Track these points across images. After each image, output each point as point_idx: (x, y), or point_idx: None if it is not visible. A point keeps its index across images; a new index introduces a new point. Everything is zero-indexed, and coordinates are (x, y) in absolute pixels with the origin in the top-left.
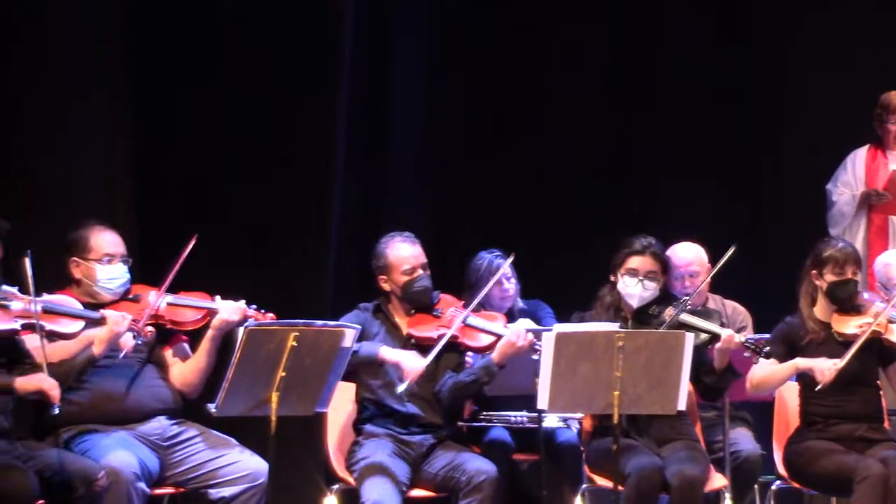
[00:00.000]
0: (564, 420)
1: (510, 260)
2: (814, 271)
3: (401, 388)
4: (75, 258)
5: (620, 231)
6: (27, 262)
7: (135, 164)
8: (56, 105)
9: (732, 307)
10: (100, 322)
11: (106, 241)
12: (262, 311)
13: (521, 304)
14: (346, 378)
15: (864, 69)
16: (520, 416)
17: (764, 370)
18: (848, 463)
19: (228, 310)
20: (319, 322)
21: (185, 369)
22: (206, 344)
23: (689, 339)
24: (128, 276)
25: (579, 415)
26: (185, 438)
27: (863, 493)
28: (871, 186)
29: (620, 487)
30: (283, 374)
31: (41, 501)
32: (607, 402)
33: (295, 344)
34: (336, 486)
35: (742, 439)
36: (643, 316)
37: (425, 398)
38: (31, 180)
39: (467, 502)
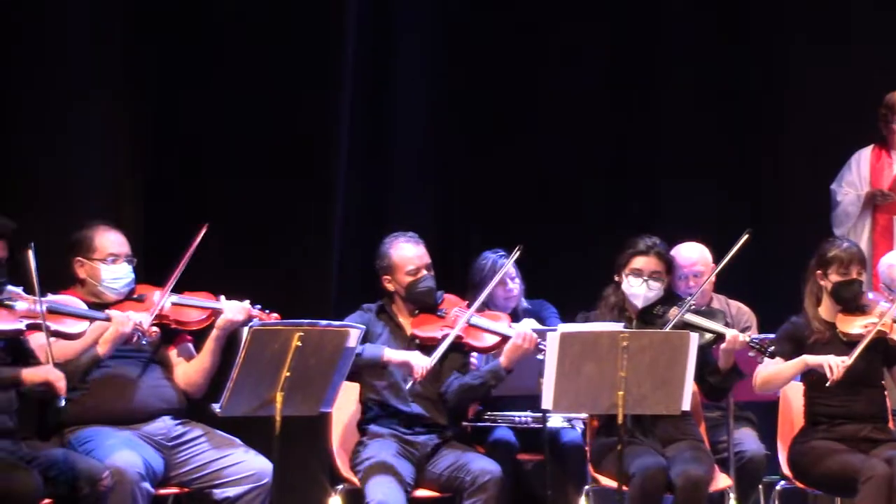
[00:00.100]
0: (569, 420)
1: (515, 256)
2: (818, 271)
3: (407, 386)
4: (80, 258)
5: (624, 231)
6: (30, 254)
7: (139, 163)
8: (58, 105)
9: (737, 307)
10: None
11: (110, 240)
12: (267, 311)
13: (525, 303)
14: (350, 378)
15: (864, 69)
16: (524, 416)
17: (771, 368)
18: (852, 463)
19: (233, 310)
20: (324, 322)
21: (189, 369)
22: (210, 344)
23: (694, 339)
24: (132, 275)
25: (584, 415)
26: (189, 438)
27: (867, 494)
28: (875, 186)
29: (625, 487)
30: (288, 374)
31: (46, 501)
32: (612, 402)
33: (299, 344)
34: (340, 487)
35: (746, 439)
36: (648, 316)
37: (430, 398)
38: (34, 180)
39: (472, 502)
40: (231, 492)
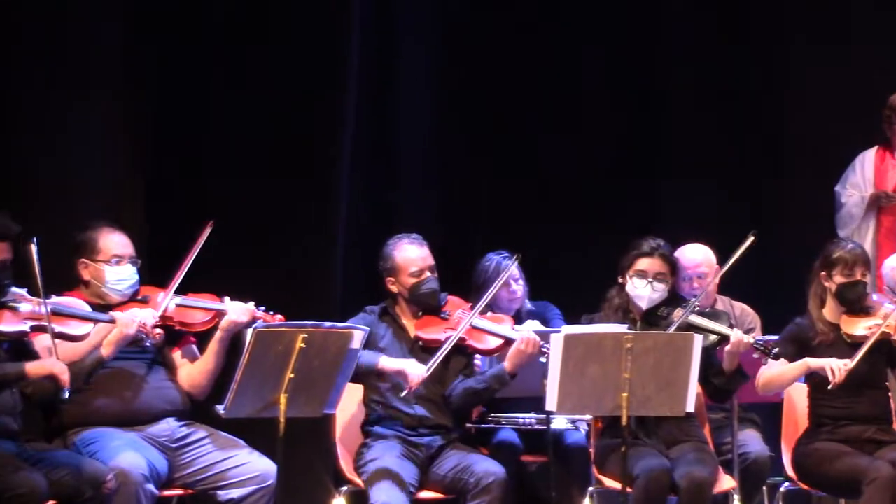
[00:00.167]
0: (573, 421)
1: (514, 264)
2: (823, 273)
3: (403, 394)
4: (84, 259)
5: (628, 232)
6: (33, 248)
7: (142, 164)
8: (59, 105)
9: (741, 309)
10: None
11: (115, 242)
12: (271, 312)
13: (529, 305)
14: (353, 380)
15: (865, 69)
16: (528, 418)
17: (773, 369)
18: (857, 465)
19: (237, 311)
20: (328, 323)
21: (193, 371)
22: (214, 345)
23: (698, 341)
24: (136, 277)
25: (587, 416)
26: (193, 440)
27: (872, 495)
28: (879, 188)
29: (629, 489)
30: (292, 375)
31: (50, 503)
32: (616, 404)
33: (303, 345)
34: (345, 488)
35: (751, 441)
36: (652, 317)
37: (433, 400)
38: (37, 181)
39: None
40: (235, 493)
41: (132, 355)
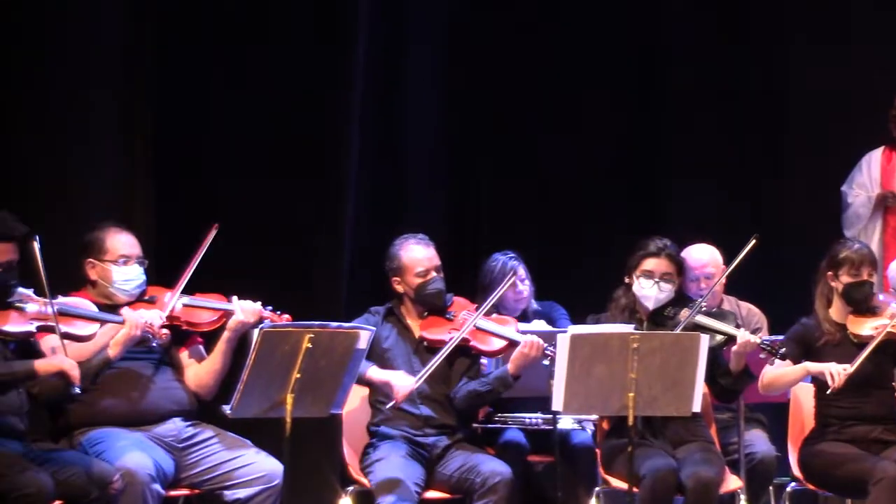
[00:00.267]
0: (579, 421)
1: (509, 282)
2: (829, 272)
3: (388, 406)
4: (91, 259)
5: (635, 233)
6: (35, 246)
7: (149, 165)
8: (66, 106)
9: (747, 308)
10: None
11: (122, 242)
12: (278, 312)
13: (535, 305)
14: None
15: (865, 69)
16: (535, 418)
17: (775, 371)
18: (863, 465)
19: (245, 311)
20: (334, 324)
21: (200, 371)
22: (221, 346)
23: (705, 341)
24: (143, 277)
25: (594, 416)
26: (200, 440)
27: (878, 495)
28: (886, 188)
29: (635, 489)
30: (298, 375)
31: (56, 503)
32: (622, 404)
33: (310, 346)
34: (351, 488)
35: (757, 441)
36: (658, 318)
37: (438, 400)
38: (46, 182)
39: None
40: (242, 493)
41: (139, 355)
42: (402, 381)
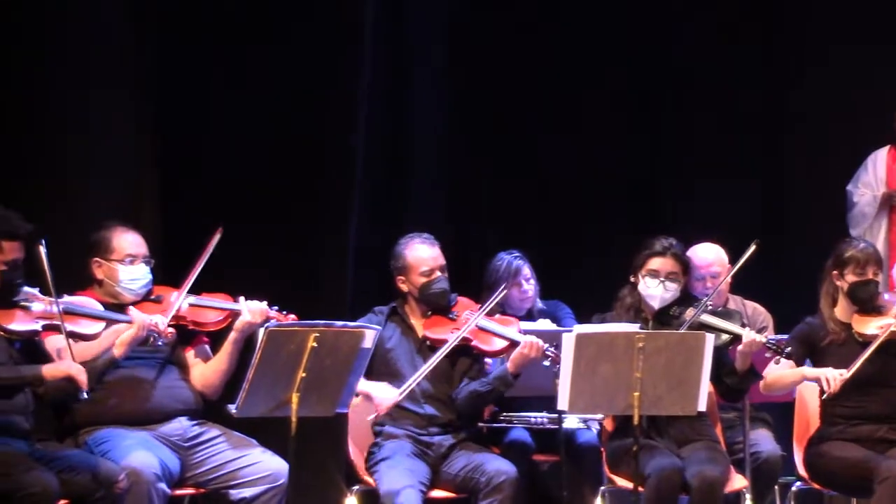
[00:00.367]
0: (584, 421)
1: (500, 295)
2: (835, 272)
3: (370, 418)
4: (97, 259)
5: (640, 232)
6: (42, 250)
7: (158, 164)
8: (73, 105)
9: (753, 308)
10: (121, 323)
11: (128, 241)
12: (284, 312)
13: (540, 304)
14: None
15: (870, 68)
16: (540, 417)
17: (775, 374)
18: (868, 464)
19: (251, 311)
20: (339, 323)
21: (206, 370)
22: (228, 346)
23: (710, 340)
24: (150, 276)
25: (599, 416)
26: (206, 439)
27: (883, 494)
28: (892, 187)
29: (640, 488)
30: (304, 374)
31: (62, 502)
32: (627, 403)
33: (315, 345)
34: (356, 487)
35: (762, 440)
36: (664, 317)
37: (442, 399)
38: (52, 181)
39: (487, 503)
40: (247, 492)
41: (145, 355)
42: (384, 394)
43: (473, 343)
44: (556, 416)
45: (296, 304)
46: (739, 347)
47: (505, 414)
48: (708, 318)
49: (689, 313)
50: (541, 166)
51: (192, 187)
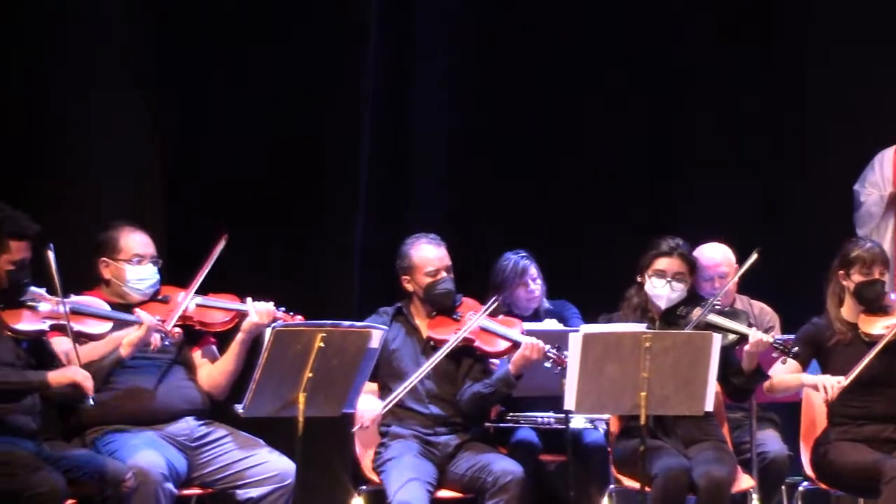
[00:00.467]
0: (591, 421)
1: (492, 306)
2: (841, 272)
3: (354, 429)
4: (105, 258)
5: (647, 232)
6: (50, 254)
7: (165, 165)
8: (81, 105)
9: (759, 308)
10: (127, 323)
11: (136, 241)
12: (291, 312)
13: (547, 304)
14: (370, 379)
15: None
16: (547, 417)
17: (778, 378)
18: (875, 464)
19: (259, 312)
20: (346, 323)
21: (213, 371)
22: (235, 347)
23: (717, 340)
24: (157, 276)
25: (606, 416)
26: (213, 439)
27: (890, 494)
28: None
29: (647, 488)
30: (311, 374)
31: (69, 502)
32: (634, 403)
33: (322, 345)
34: (363, 487)
35: (769, 440)
36: (671, 317)
37: (447, 399)
38: (59, 181)
39: (493, 503)
40: (254, 492)
41: (151, 355)
42: (368, 406)
43: (476, 344)
44: (562, 416)
45: (302, 304)
46: (746, 347)
47: (512, 414)
48: (715, 318)
49: (696, 313)
50: (543, 166)
51: (196, 188)
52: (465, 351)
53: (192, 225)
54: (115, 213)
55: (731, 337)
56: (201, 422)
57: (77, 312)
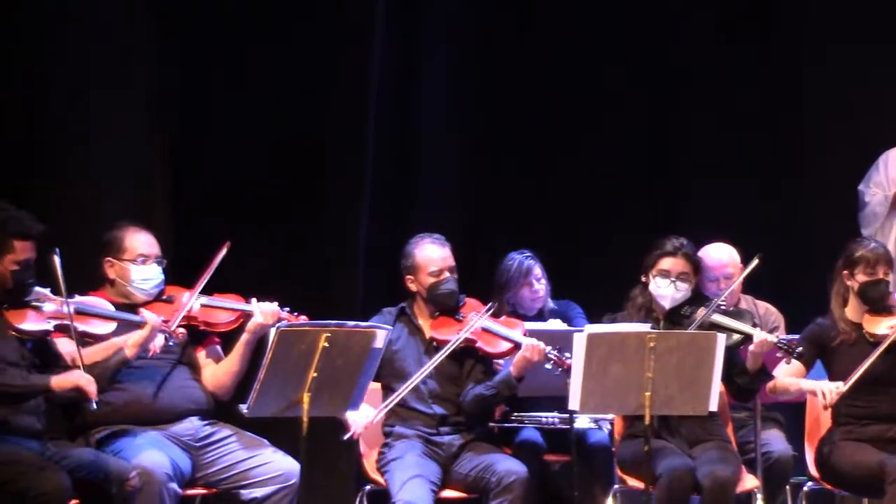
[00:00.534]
0: (596, 421)
1: (487, 313)
2: (845, 271)
3: (345, 437)
4: (110, 258)
5: (651, 232)
6: (56, 260)
7: (170, 165)
8: (84, 105)
9: (764, 308)
10: (131, 323)
11: (140, 241)
12: (296, 313)
13: (551, 304)
14: (374, 379)
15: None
16: (551, 417)
17: (780, 381)
18: (879, 464)
19: (263, 313)
20: (351, 323)
21: (218, 371)
22: (239, 348)
23: (721, 340)
24: (162, 276)
25: (611, 416)
26: (217, 439)
27: (894, 494)
28: None
29: (652, 488)
30: (315, 374)
31: (74, 502)
32: (639, 403)
33: (326, 345)
34: (367, 487)
35: (774, 440)
36: (675, 317)
37: (450, 399)
38: (64, 181)
39: (498, 503)
40: (258, 492)
41: (157, 355)
42: (357, 416)
43: (478, 345)
44: (567, 416)
45: (307, 304)
46: (751, 347)
47: (516, 414)
48: (719, 318)
49: (701, 313)
50: (540, 166)
51: (204, 188)
52: (468, 351)
53: (193, 225)
54: (116, 214)
55: (736, 337)
56: (206, 422)
57: (81, 312)
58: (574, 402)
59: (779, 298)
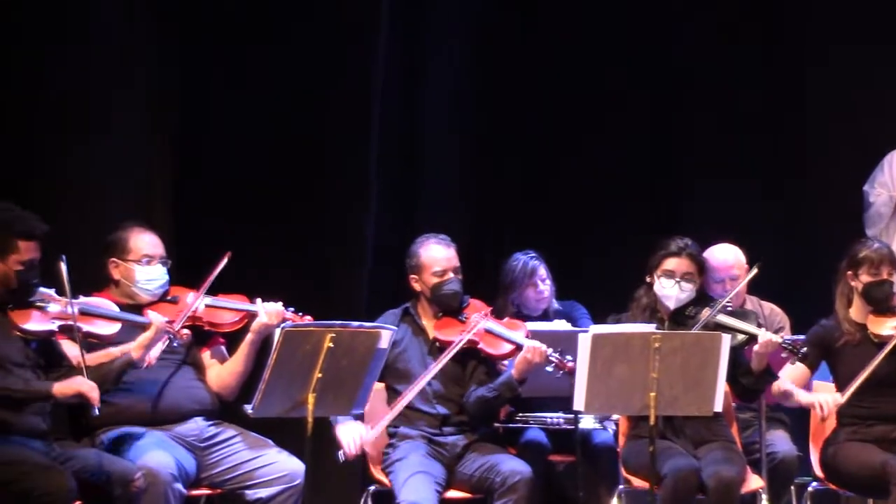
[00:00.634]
0: (601, 421)
1: (480, 323)
2: (849, 272)
3: (340, 457)
4: (114, 259)
5: (656, 232)
6: (62, 266)
7: (174, 165)
8: (89, 106)
9: (770, 308)
10: (135, 323)
11: (145, 242)
12: (300, 313)
13: (556, 304)
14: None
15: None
16: (556, 418)
17: (779, 383)
18: (884, 464)
19: (268, 313)
20: (356, 323)
21: (222, 372)
22: (244, 348)
23: (726, 340)
24: (167, 277)
25: (615, 416)
26: (222, 439)
27: None
28: None
29: (657, 489)
30: (320, 375)
31: (78, 502)
32: (643, 404)
33: (331, 345)
34: (372, 487)
35: (778, 440)
36: (680, 317)
37: (453, 399)
38: (68, 182)
39: (502, 503)
40: (263, 493)
41: (161, 355)
42: (351, 434)
43: (480, 346)
44: (572, 416)
45: (311, 305)
46: (755, 348)
47: (521, 414)
48: (724, 319)
49: (705, 313)
50: (542, 166)
51: (208, 188)
52: (472, 353)
53: (194, 225)
54: (116, 214)
55: (741, 337)
56: (210, 422)
57: (86, 313)
58: (579, 403)
59: (782, 299)
